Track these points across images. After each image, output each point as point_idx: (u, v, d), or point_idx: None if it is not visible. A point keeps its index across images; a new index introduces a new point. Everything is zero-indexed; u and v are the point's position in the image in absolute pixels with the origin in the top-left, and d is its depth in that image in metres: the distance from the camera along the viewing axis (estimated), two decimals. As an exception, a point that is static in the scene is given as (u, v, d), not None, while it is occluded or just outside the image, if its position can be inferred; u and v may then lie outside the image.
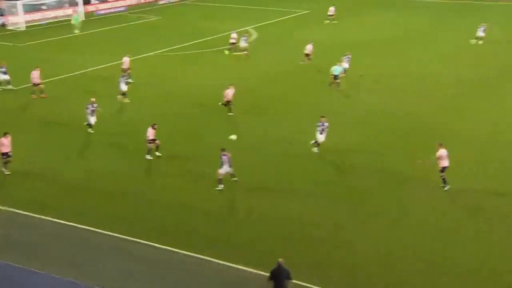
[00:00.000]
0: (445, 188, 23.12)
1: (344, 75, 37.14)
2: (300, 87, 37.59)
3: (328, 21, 60.43)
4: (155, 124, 26.17)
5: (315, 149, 26.68)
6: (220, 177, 23.09)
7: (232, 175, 23.42)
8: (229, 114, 31.76)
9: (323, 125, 26.40)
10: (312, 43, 43.78)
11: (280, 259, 15.96)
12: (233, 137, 25.77)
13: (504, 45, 48.74)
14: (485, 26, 49.68)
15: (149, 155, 26.07)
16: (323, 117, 26.73)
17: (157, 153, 26.28)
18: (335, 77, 36.30)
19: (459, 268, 18.11)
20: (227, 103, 31.91)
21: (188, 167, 25.37)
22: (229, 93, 31.92)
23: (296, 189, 23.32)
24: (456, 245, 19.43)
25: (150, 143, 26.06)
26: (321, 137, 26.49)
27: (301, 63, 42.80)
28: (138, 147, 26.76)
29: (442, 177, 23.20)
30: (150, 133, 26.00)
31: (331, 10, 61.59)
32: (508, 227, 20.55)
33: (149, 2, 76.07)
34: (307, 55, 43.03)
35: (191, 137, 28.84)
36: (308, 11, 69.18)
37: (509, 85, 37.91)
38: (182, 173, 24.79)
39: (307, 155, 26.43)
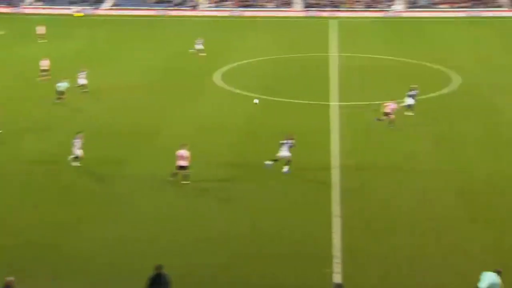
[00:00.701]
0: (182, 182, 24.68)
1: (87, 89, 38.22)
2: (31, 104, 36.74)
3: (42, 40, 58.33)
4: None
5: (76, 163, 26.72)
6: None
7: None
8: None
9: (78, 140, 26.56)
10: (47, 59, 42.83)
11: (8, 278, 15.29)
12: (256, 100, 24.75)
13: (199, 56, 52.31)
14: (202, 40, 52.95)
15: None
16: (79, 132, 26.99)
17: None
18: (60, 92, 36.42)
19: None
20: None
21: None
22: None
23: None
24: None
25: None
26: (78, 152, 26.59)
27: (39, 79, 41.60)
28: None
29: (180, 173, 24.67)
30: None
31: (41, 29, 59.61)
32: (252, 213, 22.83)
33: None
34: (45, 70, 42.04)
35: None
36: (3, 32, 64.77)
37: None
38: None
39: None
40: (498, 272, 16.09)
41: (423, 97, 36.37)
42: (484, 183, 25.52)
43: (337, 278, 18.19)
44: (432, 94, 38.32)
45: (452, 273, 18.65)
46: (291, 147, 25.77)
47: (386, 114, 32.15)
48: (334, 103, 37.26)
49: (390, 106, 32.20)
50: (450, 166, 27.24)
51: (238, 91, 40.66)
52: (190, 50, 52.32)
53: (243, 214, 22.76)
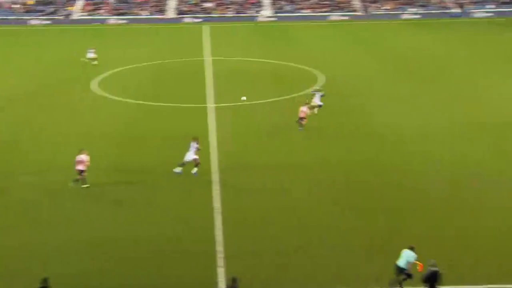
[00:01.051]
0: (82, 186, 24.47)
1: None
2: None
3: None
4: None
5: None
6: None
7: None
8: None
9: None
10: None
11: None
12: (244, 98, 24.74)
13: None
14: (94, 50, 50.59)
15: None
16: None
17: None
18: None
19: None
20: None
21: None
22: None
23: None
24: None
25: None
26: None
27: None
28: None
29: (80, 178, 24.41)
30: None
31: None
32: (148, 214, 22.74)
33: None
34: None
35: None
36: None
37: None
38: None
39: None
40: (412, 248, 17.51)
41: (295, 95, 37.45)
42: (358, 173, 26.54)
43: (220, 272, 18.38)
44: (301, 93, 39.47)
45: (334, 263, 19.16)
46: (197, 150, 25.79)
47: (301, 118, 32.26)
48: (210, 105, 37.42)
49: (303, 110, 32.29)
50: (321, 160, 28.22)
51: (116, 98, 39.74)
52: (82, 59, 49.88)
53: (130, 216, 22.32)
